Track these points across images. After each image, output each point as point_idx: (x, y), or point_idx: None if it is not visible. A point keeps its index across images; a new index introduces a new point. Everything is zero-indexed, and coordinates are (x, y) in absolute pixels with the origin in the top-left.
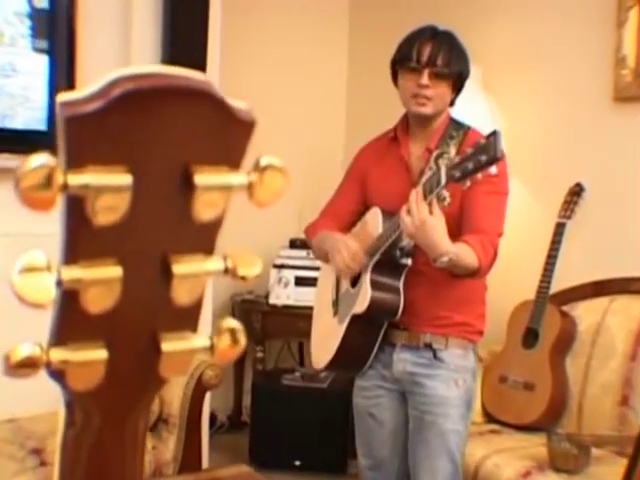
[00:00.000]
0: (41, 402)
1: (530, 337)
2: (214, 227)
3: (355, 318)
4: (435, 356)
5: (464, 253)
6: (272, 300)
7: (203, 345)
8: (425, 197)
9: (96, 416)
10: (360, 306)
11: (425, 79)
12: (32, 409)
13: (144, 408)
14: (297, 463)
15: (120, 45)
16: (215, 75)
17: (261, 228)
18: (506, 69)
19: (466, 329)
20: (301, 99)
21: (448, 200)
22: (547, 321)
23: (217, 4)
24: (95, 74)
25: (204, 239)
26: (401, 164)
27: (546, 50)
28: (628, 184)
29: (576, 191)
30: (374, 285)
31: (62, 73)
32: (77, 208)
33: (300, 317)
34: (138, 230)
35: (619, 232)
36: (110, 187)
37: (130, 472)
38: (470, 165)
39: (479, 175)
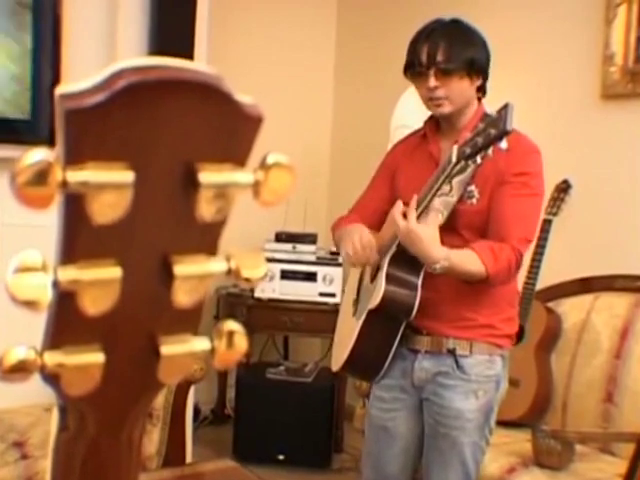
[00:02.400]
0: (23, 395)
1: (516, 333)
2: (217, 227)
3: (370, 314)
4: (457, 365)
5: (464, 260)
6: (257, 293)
7: (203, 349)
8: (438, 184)
9: (91, 421)
10: (374, 301)
11: (432, 81)
12: (13, 402)
13: (141, 413)
14: (281, 457)
15: (105, 40)
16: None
17: (247, 221)
18: (493, 65)
19: (492, 332)
20: (288, 95)
21: (477, 196)
22: (533, 318)
23: (204, 1)
24: (80, 65)
25: (207, 239)
26: (431, 161)
27: (534, 47)
28: (615, 181)
29: (563, 188)
30: (389, 279)
31: (46, 65)
32: (76, 206)
33: (285, 311)
34: (139, 229)
35: (605, 229)
36: (111, 184)
37: (126, 478)
38: (480, 140)
39: (490, 151)
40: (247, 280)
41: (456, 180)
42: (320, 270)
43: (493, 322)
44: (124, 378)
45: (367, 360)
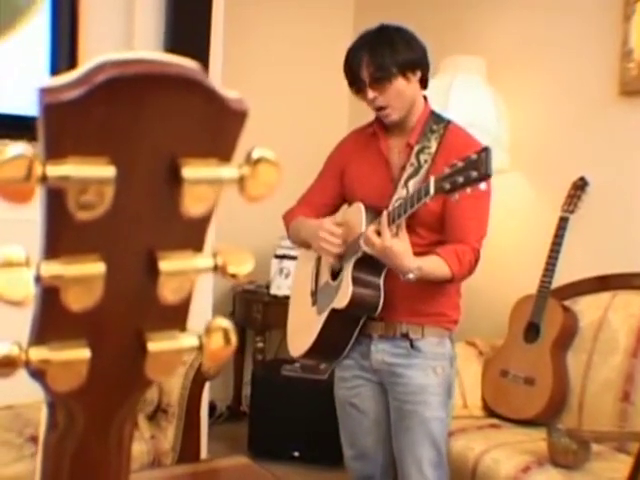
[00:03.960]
0: (39, 390)
1: (532, 332)
2: (203, 222)
3: (334, 312)
4: (412, 345)
5: (433, 266)
6: (273, 290)
7: (191, 345)
8: (412, 205)
9: (80, 418)
10: (340, 302)
11: (370, 93)
12: (31, 396)
13: (130, 410)
14: (296, 454)
15: (122, 38)
16: (217, 65)
17: (262, 218)
18: (511, 62)
19: (442, 319)
20: (304, 93)
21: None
22: (549, 316)
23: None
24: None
25: (193, 235)
26: (380, 159)
27: (552, 43)
28: (632, 179)
29: (580, 185)
30: (355, 282)
31: (64, 63)
32: (57, 201)
33: None
34: (123, 225)
35: (622, 227)
36: (92, 179)
37: (115, 477)
38: (460, 179)
39: (468, 190)
40: (233, 276)
41: (411, 182)
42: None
43: (443, 310)
44: (111, 374)
45: (328, 349)
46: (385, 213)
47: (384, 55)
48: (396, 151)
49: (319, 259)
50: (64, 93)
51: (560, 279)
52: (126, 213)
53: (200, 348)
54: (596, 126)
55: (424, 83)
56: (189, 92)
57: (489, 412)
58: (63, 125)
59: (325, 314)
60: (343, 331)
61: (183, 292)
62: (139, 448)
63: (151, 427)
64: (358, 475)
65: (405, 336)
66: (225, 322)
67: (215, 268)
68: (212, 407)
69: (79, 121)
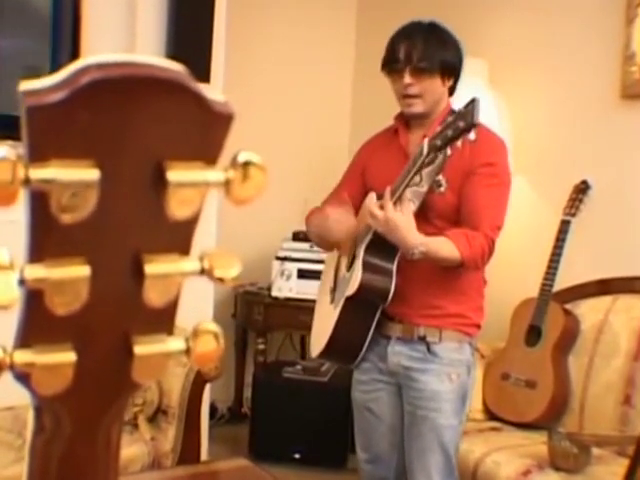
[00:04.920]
0: None
1: (533, 335)
2: (190, 225)
3: (347, 301)
4: (429, 350)
5: (439, 246)
6: (274, 292)
7: (178, 348)
8: (410, 175)
9: (66, 421)
10: (351, 288)
11: (407, 78)
12: (29, 398)
13: (117, 413)
14: (297, 456)
15: (125, 39)
16: (220, 66)
17: (264, 220)
18: (513, 64)
19: (461, 321)
20: (307, 94)
21: (444, 185)
22: (550, 319)
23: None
24: None
25: (179, 238)
26: (400, 152)
27: (554, 46)
28: (634, 182)
29: (582, 188)
30: (365, 266)
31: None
32: (41, 204)
33: (302, 310)
34: (108, 228)
35: (624, 230)
36: (76, 182)
37: None
38: (450, 132)
39: (459, 142)
40: (220, 280)
41: (426, 171)
42: None
43: (462, 311)
44: (98, 378)
45: (345, 346)
46: (388, 188)
47: (435, 49)
48: (415, 144)
49: (339, 258)
50: (47, 95)
51: (562, 282)
52: (111, 216)
53: (187, 351)
54: (598, 129)
55: (451, 90)
56: (175, 95)
57: (490, 415)
58: (46, 128)
59: (340, 306)
60: (358, 324)
61: (169, 295)
62: (139, 449)
63: (151, 429)
64: (370, 478)
65: (422, 339)
66: (211, 325)
67: (202, 271)
68: (213, 409)
69: (63, 124)
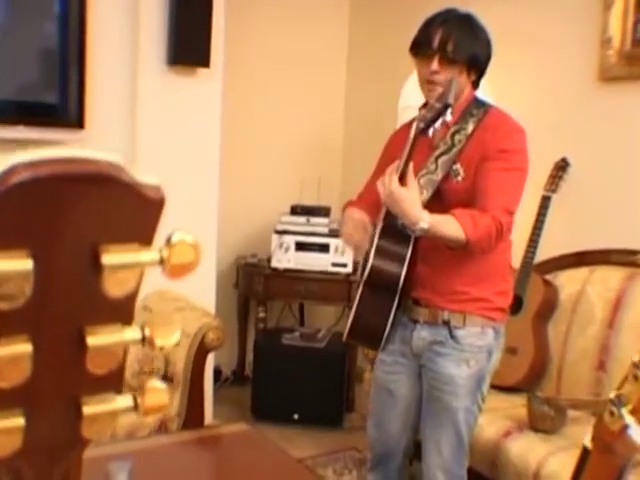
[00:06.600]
0: None
1: (515, 304)
2: (130, 298)
3: (364, 286)
4: (451, 335)
5: (444, 224)
6: (274, 264)
7: (127, 405)
8: (407, 152)
9: (22, 475)
10: (365, 273)
11: (435, 65)
12: None
13: (72, 468)
14: (296, 416)
15: (128, 35)
16: (220, 53)
17: (264, 195)
18: (496, 48)
19: (485, 305)
20: (305, 78)
21: (462, 174)
22: (531, 289)
23: None
24: (105, 69)
25: (119, 310)
26: (424, 143)
27: (535, 31)
28: (611, 160)
29: (561, 166)
30: (378, 251)
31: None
32: None
33: (300, 280)
34: (48, 307)
35: (601, 206)
36: (10, 273)
37: None
38: (429, 115)
39: (437, 123)
40: (161, 348)
41: (441, 160)
42: (333, 242)
43: (486, 295)
44: (48, 438)
45: (367, 328)
46: (395, 163)
47: (468, 42)
48: (438, 134)
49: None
50: None
51: (542, 255)
52: (50, 297)
53: (135, 408)
54: (577, 110)
55: (476, 84)
56: (105, 187)
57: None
58: None
59: (360, 290)
60: (377, 307)
61: (114, 363)
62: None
63: None
64: (378, 450)
65: (446, 324)
66: (158, 383)
67: (143, 340)
68: (218, 372)
69: None
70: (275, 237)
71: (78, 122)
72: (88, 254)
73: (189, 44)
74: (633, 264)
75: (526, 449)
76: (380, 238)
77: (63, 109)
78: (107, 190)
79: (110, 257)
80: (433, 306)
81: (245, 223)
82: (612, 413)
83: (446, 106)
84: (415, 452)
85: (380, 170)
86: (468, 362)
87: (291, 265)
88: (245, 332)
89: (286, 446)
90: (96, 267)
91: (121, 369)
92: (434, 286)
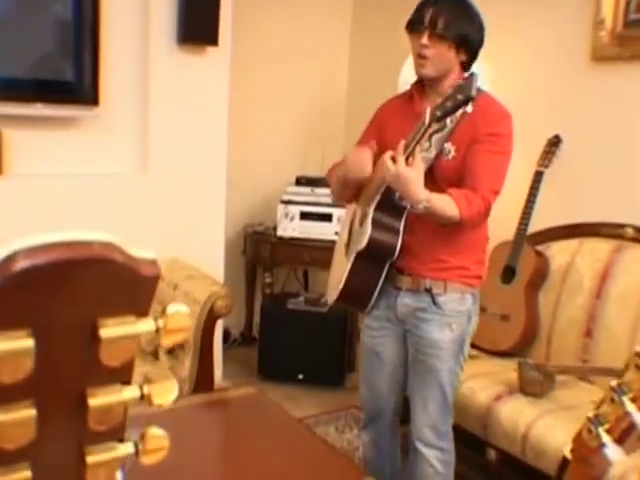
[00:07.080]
0: None
1: (508, 273)
2: (127, 364)
3: (358, 255)
4: (434, 301)
5: (442, 203)
6: (280, 232)
7: (128, 452)
8: (415, 137)
9: None
10: (361, 244)
11: (425, 39)
12: None
13: None
14: (300, 377)
15: (140, 20)
16: (227, 32)
17: (270, 166)
18: (491, 29)
19: (464, 273)
20: (310, 54)
21: (453, 153)
22: (524, 259)
23: None
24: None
25: (119, 373)
26: (414, 118)
27: (529, 12)
28: (602, 137)
29: (554, 142)
30: (374, 224)
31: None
32: None
33: (304, 248)
34: (48, 377)
35: (592, 181)
36: (12, 352)
37: None
38: (449, 104)
39: (458, 113)
40: (159, 406)
41: (435, 138)
42: (335, 211)
43: (465, 264)
44: None
45: (356, 295)
46: (402, 142)
47: (458, 21)
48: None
49: (354, 214)
50: None
51: (535, 226)
52: (51, 369)
53: (136, 453)
54: (570, 89)
55: (467, 65)
56: (101, 269)
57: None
58: None
59: (352, 259)
60: (368, 275)
61: (114, 421)
62: None
63: (170, 359)
64: (369, 409)
65: (428, 291)
66: (159, 431)
67: (142, 397)
68: (227, 333)
69: None
70: (281, 207)
71: (93, 99)
72: (87, 328)
73: (198, 23)
74: (621, 237)
75: (516, 412)
76: (376, 210)
77: (78, 86)
78: (103, 270)
79: (108, 330)
80: (416, 274)
81: (252, 194)
82: (590, 431)
83: (468, 98)
84: (404, 414)
85: (366, 138)
86: (451, 326)
87: (296, 234)
88: (252, 296)
89: (291, 405)
90: (95, 340)
91: (123, 425)
92: (418, 255)
